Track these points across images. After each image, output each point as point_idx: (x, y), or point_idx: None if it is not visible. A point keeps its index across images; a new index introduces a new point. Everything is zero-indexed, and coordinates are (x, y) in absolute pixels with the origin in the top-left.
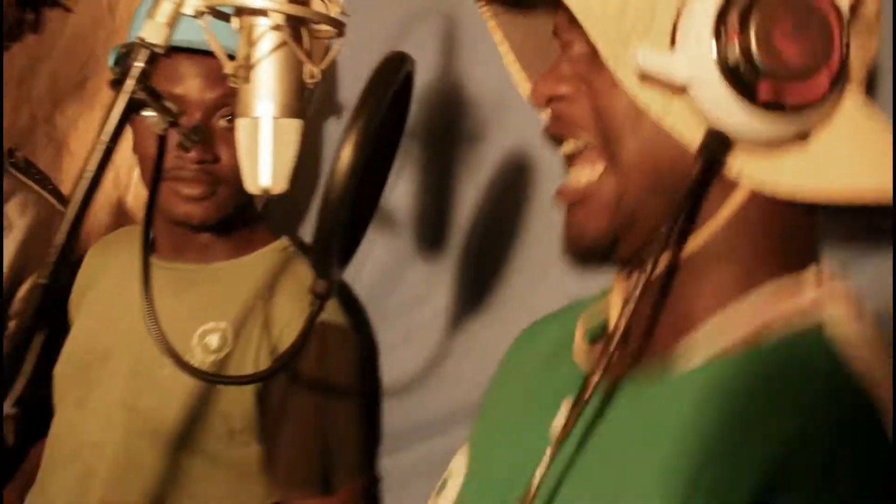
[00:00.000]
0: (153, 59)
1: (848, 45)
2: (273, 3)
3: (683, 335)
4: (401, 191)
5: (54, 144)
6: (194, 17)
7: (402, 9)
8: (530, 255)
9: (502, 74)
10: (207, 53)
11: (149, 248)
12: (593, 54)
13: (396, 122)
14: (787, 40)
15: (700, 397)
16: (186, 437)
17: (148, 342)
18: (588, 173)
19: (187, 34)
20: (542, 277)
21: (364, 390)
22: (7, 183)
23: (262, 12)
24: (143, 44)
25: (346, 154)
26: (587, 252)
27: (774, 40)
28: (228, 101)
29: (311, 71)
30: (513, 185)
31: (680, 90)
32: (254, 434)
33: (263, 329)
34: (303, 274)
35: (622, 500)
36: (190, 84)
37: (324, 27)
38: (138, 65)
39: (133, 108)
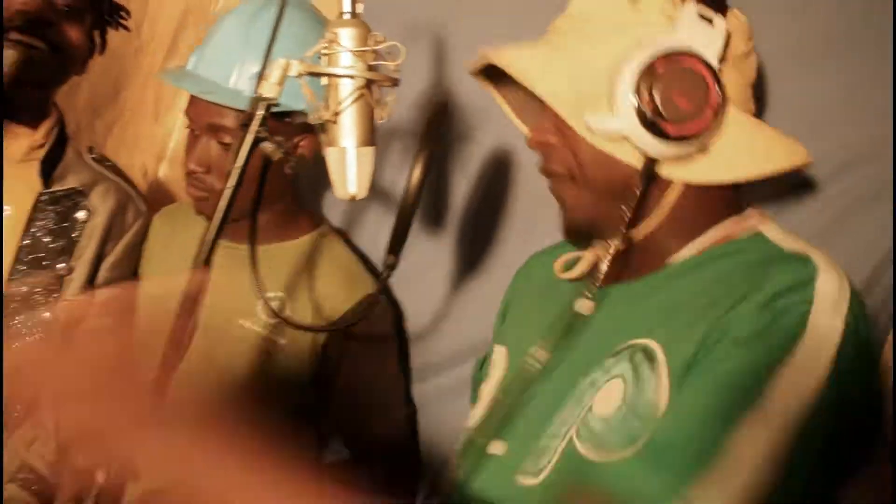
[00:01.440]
0: (268, 108)
1: (721, 85)
2: (354, 71)
3: (661, 259)
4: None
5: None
6: (296, 77)
7: (400, 31)
8: (512, 228)
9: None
10: None
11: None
12: None
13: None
14: (680, 97)
15: (685, 277)
16: (252, 384)
17: (216, 306)
18: (570, 192)
19: (204, 70)
20: (522, 245)
21: (402, 344)
22: (88, 175)
23: (347, 76)
24: (261, 98)
25: (417, 175)
26: (577, 234)
27: (672, 98)
28: (221, 125)
29: (380, 114)
30: (495, 174)
31: (621, 136)
32: (309, 381)
33: (310, 298)
34: (338, 253)
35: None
36: (194, 107)
37: (385, 82)
38: (259, 113)
39: (256, 142)
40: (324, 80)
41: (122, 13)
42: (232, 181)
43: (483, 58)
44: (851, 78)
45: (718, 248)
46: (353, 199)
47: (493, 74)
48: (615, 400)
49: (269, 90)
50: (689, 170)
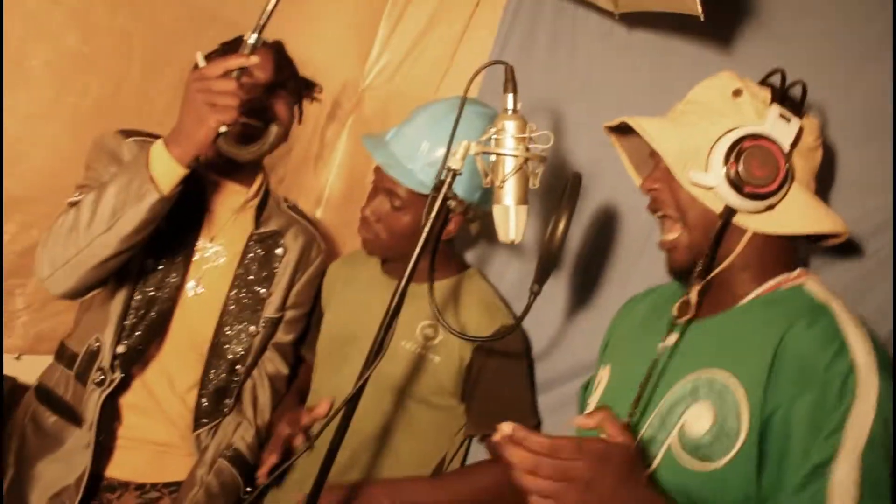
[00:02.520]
0: (454, 175)
1: (789, 164)
2: (517, 151)
3: (733, 300)
4: (537, 229)
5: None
6: (473, 154)
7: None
8: (615, 270)
9: (594, 153)
10: None
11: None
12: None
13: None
14: (757, 167)
15: (746, 316)
16: (410, 389)
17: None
18: (673, 235)
19: (395, 147)
20: (622, 285)
21: (530, 363)
22: (284, 219)
23: (511, 155)
24: (451, 170)
25: (561, 226)
26: (680, 273)
27: (752, 168)
28: (396, 194)
29: (533, 182)
30: (602, 227)
31: (710, 188)
32: (456, 390)
33: (457, 323)
34: (480, 287)
35: (710, 371)
36: (381, 171)
37: (537, 160)
38: (448, 180)
39: (445, 201)
40: (492, 157)
41: (316, 88)
42: (427, 227)
43: (621, 120)
44: (885, 153)
45: (766, 297)
46: (512, 243)
47: (618, 136)
48: (707, 422)
49: (454, 163)
50: (757, 222)
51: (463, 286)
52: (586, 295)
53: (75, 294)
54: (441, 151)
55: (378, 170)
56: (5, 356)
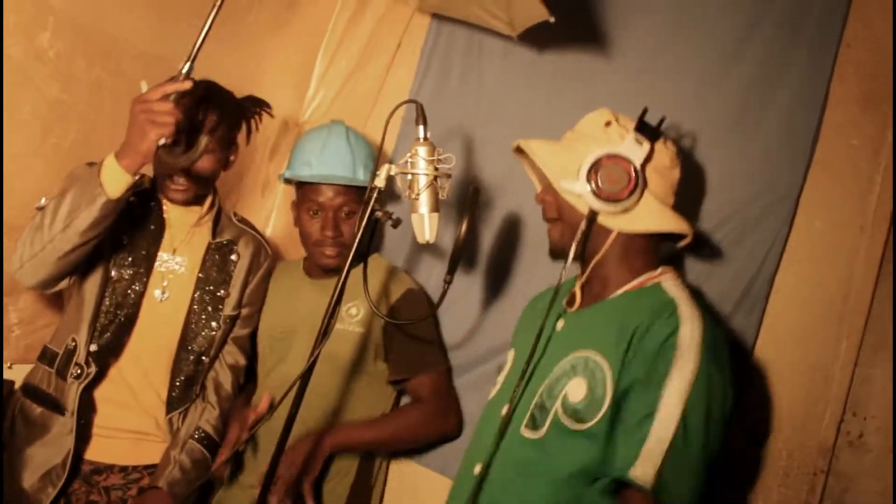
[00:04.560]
0: (379, 192)
1: (640, 177)
2: (427, 171)
3: (608, 293)
4: (451, 232)
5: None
6: (393, 175)
7: (439, 130)
8: (521, 266)
9: (503, 167)
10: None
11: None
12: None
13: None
14: (611, 179)
15: (615, 307)
16: (354, 364)
17: (320, 319)
18: (555, 230)
19: (329, 170)
20: (527, 279)
21: (434, 321)
22: (236, 230)
23: (424, 174)
24: (374, 187)
25: (464, 227)
26: (555, 253)
27: (608, 179)
28: (346, 203)
29: (442, 193)
30: (509, 230)
31: (579, 195)
32: (380, 352)
33: (384, 304)
34: (383, 265)
35: (585, 351)
36: (326, 195)
37: (444, 176)
38: (373, 196)
39: (371, 215)
40: (409, 176)
41: (266, 107)
42: (355, 245)
43: (516, 144)
44: (744, 150)
45: (633, 292)
46: (427, 244)
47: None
48: (582, 392)
49: (379, 182)
50: (618, 222)
51: (381, 273)
52: (497, 288)
53: (45, 284)
54: (363, 161)
55: (321, 196)
56: None
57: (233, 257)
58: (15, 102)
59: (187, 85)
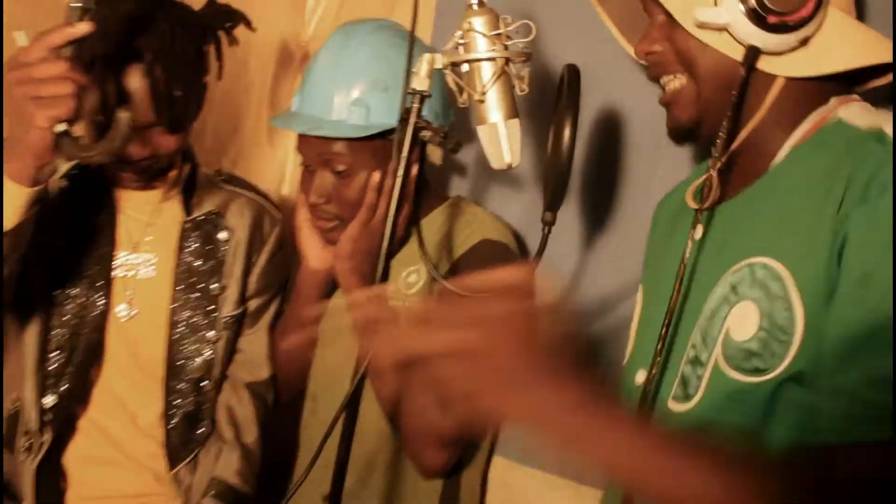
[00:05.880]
0: (422, 99)
1: None
2: (494, 53)
3: (764, 165)
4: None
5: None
6: (442, 69)
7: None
8: (631, 181)
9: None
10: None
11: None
12: (671, 20)
13: None
14: None
15: (781, 178)
16: None
17: None
18: (676, 84)
19: (308, 108)
20: (644, 196)
21: None
22: (222, 196)
23: (488, 59)
24: (416, 91)
25: (567, 132)
26: (681, 133)
27: None
28: (332, 157)
29: (521, 87)
30: (608, 130)
31: (723, 28)
32: None
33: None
34: (472, 212)
35: (748, 259)
36: (302, 146)
37: (520, 58)
38: (416, 105)
39: (416, 132)
40: (465, 67)
41: (242, 19)
42: (400, 171)
43: None
44: None
45: (806, 144)
46: (509, 168)
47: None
48: (752, 325)
49: (420, 84)
50: (789, 64)
51: (448, 216)
52: (602, 218)
53: None
54: (358, 90)
55: (303, 145)
56: None
57: (221, 235)
58: None
59: (84, 29)
